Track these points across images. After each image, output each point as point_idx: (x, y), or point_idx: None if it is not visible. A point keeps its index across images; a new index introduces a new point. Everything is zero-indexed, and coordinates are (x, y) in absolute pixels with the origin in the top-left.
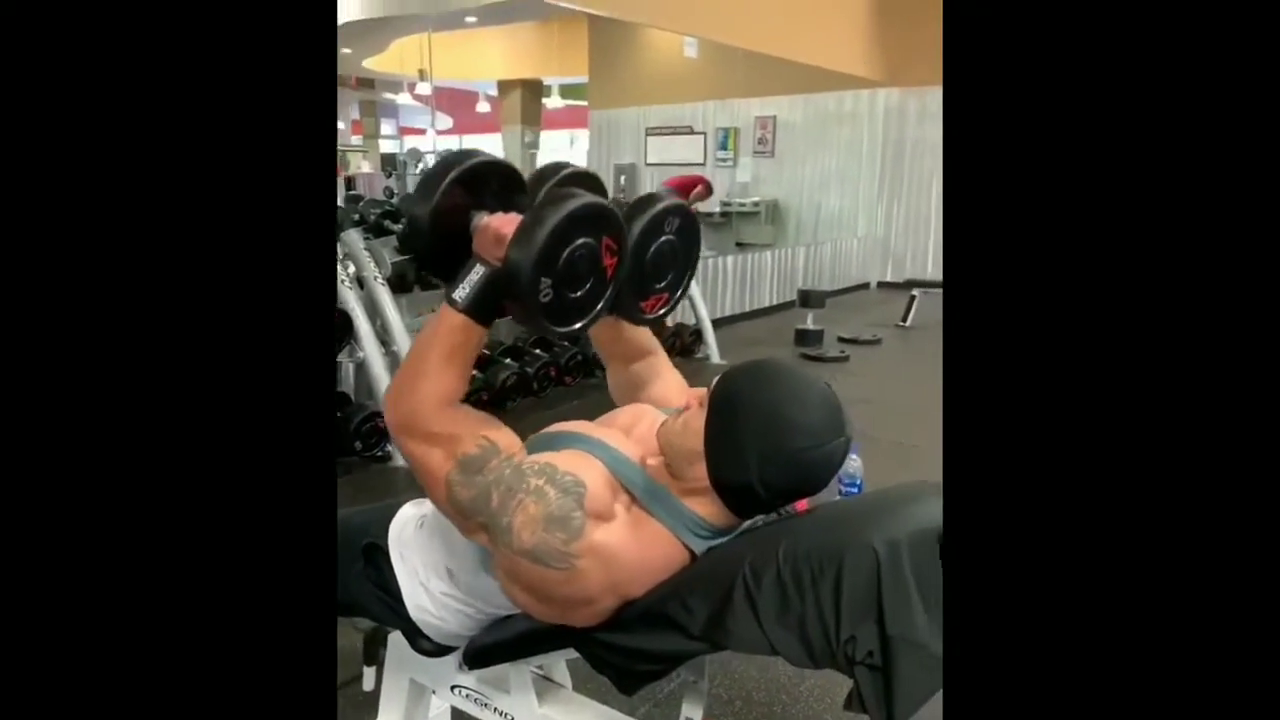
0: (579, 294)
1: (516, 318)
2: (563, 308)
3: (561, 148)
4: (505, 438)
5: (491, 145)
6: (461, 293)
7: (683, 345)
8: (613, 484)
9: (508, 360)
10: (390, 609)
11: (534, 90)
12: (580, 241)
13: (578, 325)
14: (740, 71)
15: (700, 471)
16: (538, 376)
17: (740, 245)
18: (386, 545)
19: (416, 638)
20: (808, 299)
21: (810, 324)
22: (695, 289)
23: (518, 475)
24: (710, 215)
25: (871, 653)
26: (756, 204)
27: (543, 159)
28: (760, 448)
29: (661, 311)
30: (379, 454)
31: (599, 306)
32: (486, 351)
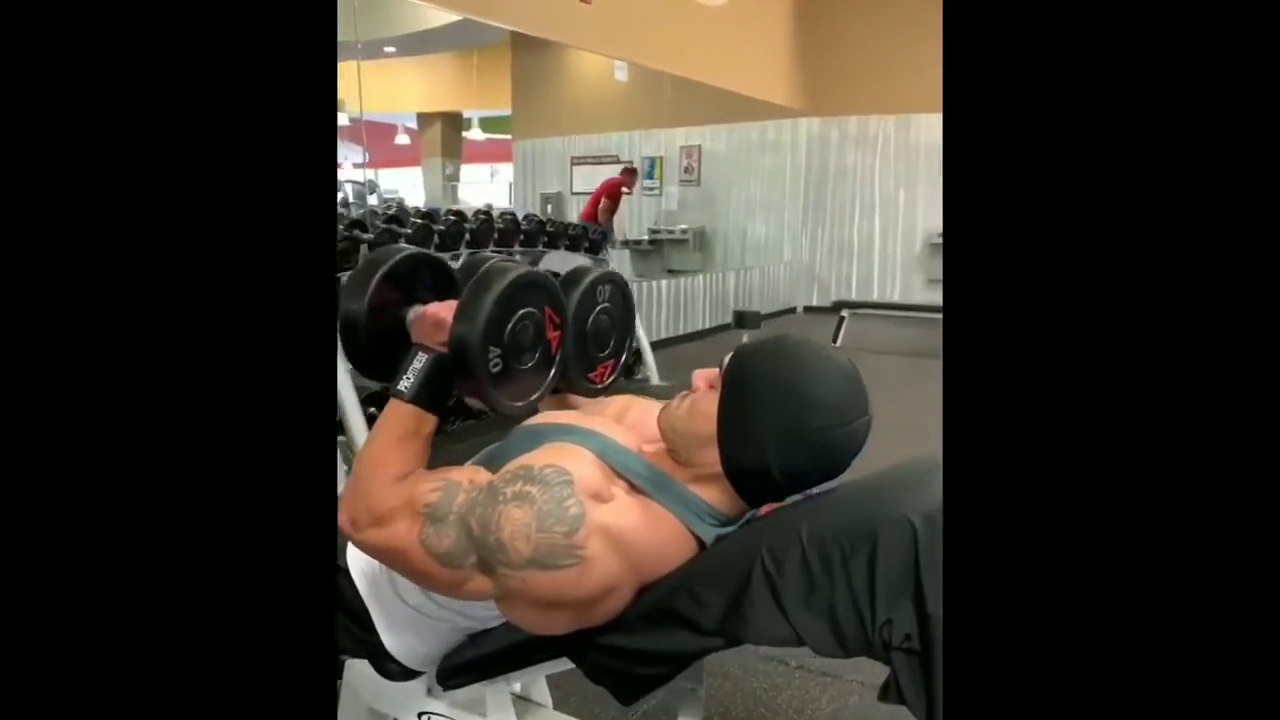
0: (527, 365)
1: (467, 392)
2: (512, 379)
3: (482, 180)
4: (461, 471)
5: (411, 178)
6: (406, 383)
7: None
8: (605, 470)
9: None
10: (356, 637)
11: (454, 123)
12: (524, 311)
13: (533, 397)
14: (665, 102)
15: (710, 457)
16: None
17: (670, 272)
18: (346, 564)
19: (384, 661)
20: (743, 320)
21: None
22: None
23: (490, 493)
24: (639, 243)
25: (909, 635)
26: (685, 231)
27: (464, 192)
28: (779, 429)
29: (609, 380)
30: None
31: (549, 376)
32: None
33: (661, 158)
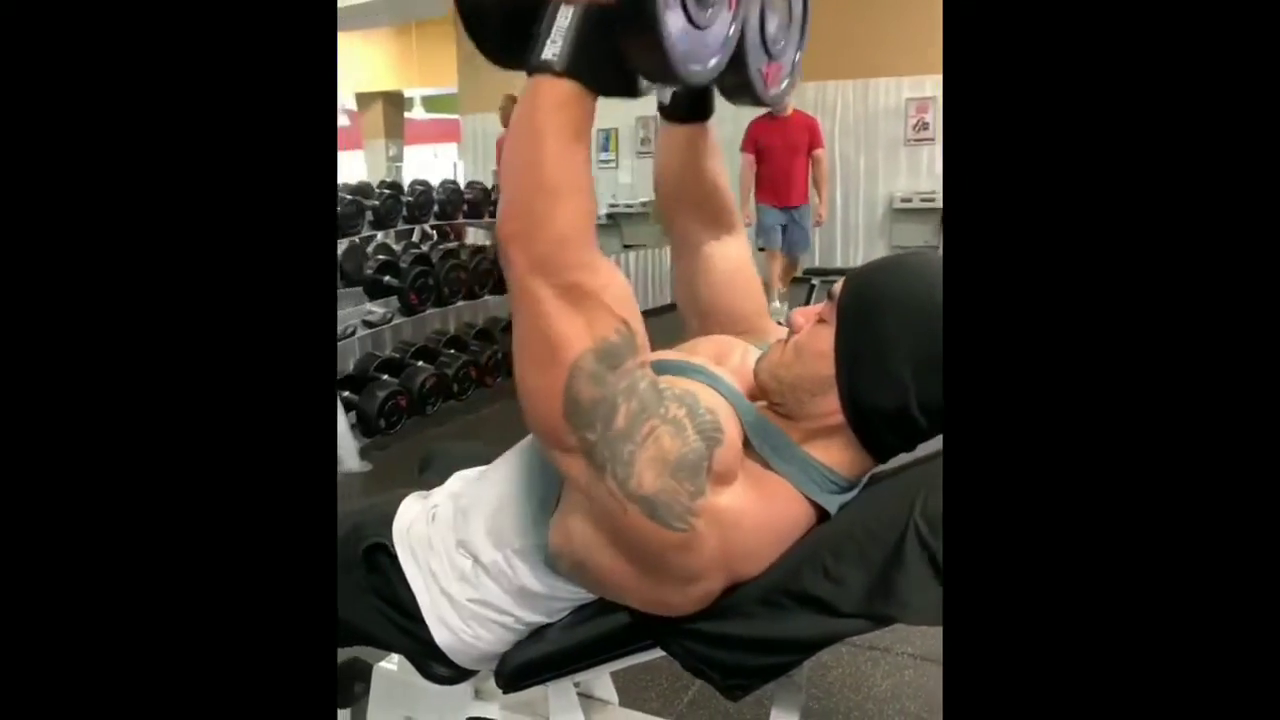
0: (707, 17)
1: (638, 57)
2: (694, 33)
3: (426, 162)
4: (642, 328)
5: (354, 162)
6: (553, 49)
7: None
8: (741, 434)
9: (421, 363)
10: (400, 629)
11: (395, 102)
12: None
13: (713, 62)
14: None
15: (826, 406)
16: (457, 378)
17: (628, 247)
18: (393, 545)
19: (430, 662)
20: None
21: None
22: None
23: (655, 395)
24: (612, 209)
25: None
26: (645, 204)
27: (408, 173)
28: (916, 357)
29: (783, 86)
30: None
31: (728, 37)
32: (396, 355)
33: (616, 130)
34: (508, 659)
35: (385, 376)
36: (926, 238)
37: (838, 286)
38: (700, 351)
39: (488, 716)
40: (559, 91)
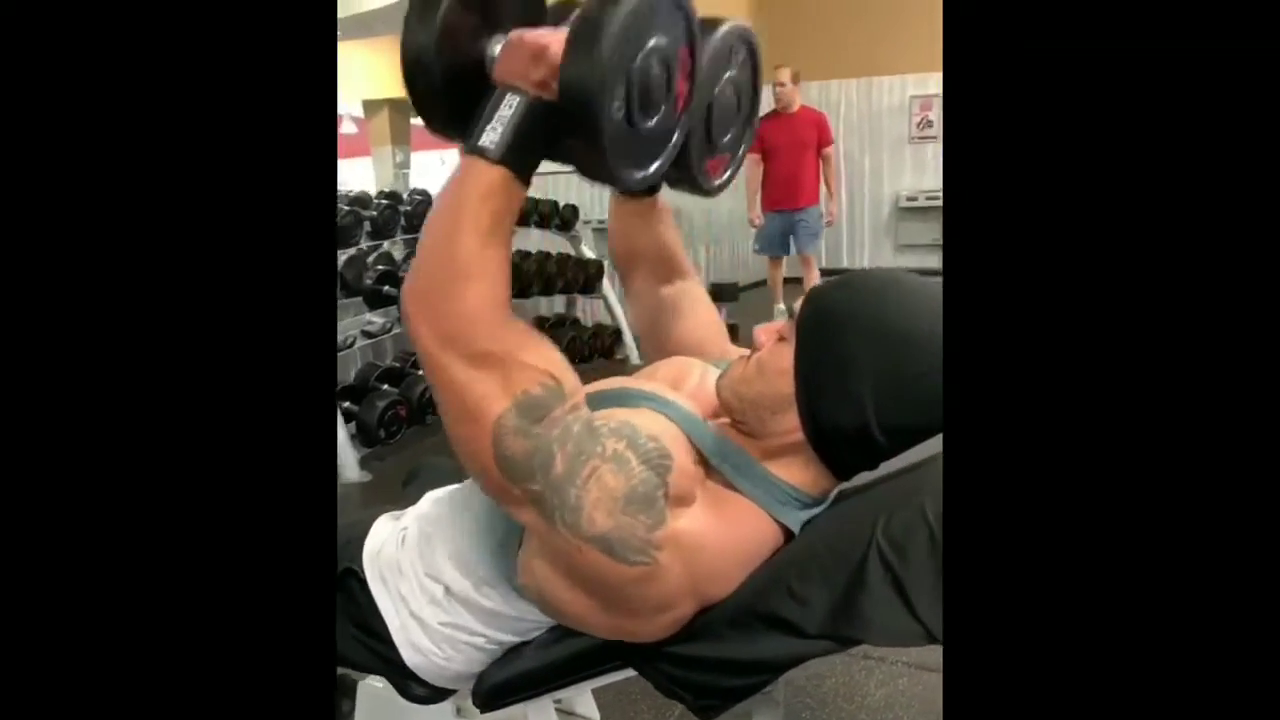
0: (652, 121)
1: (576, 157)
2: (635, 138)
3: (433, 167)
4: (570, 377)
5: (361, 169)
6: (491, 136)
7: (602, 346)
8: (695, 459)
9: (421, 372)
10: (373, 652)
11: (402, 109)
12: (655, 43)
13: (654, 167)
14: None
15: (787, 424)
16: (565, 350)
17: None
18: (363, 571)
19: (406, 683)
20: (720, 293)
21: (725, 318)
22: (610, 289)
23: (590, 434)
24: (603, 222)
25: None
26: None
27: (415, 180)
28: (876, 375)
29: (725, 176)
30: None
31: (671, 144)
32: (396, 364)
33: None
34: (484, 678)
35: (385, 386)
36: (933, 235)
37: (799, 303)
38: (658, 375)
39: None
40: (488, 178)
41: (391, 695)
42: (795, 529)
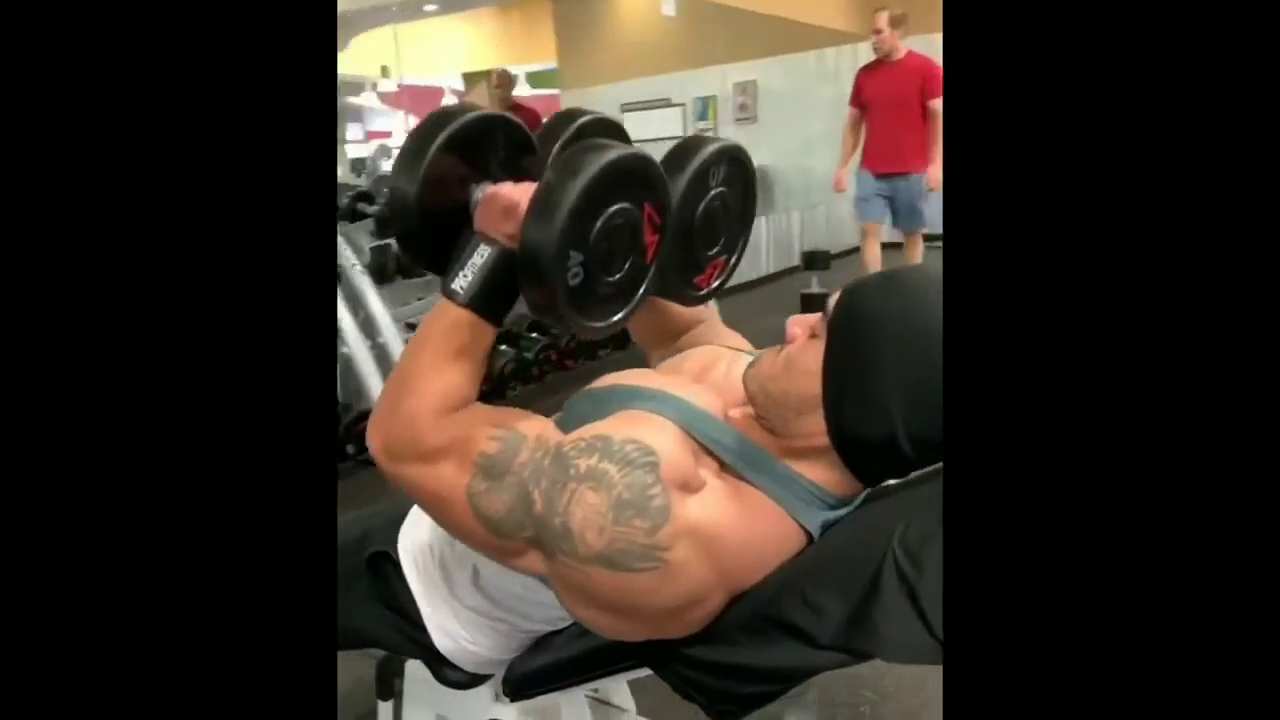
0: (615, 277)
1: (536, 309)
2: (595, 295)
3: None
4: (528, 421)
5: None
6: (462, 281)
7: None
8: (693, 447)
9: (503, 346)
10: (406, 635)
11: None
12: (619, 208)
13: (616, 318)
14: (716, 36)
15: (812, 426)
16: (537, 361)
17: None
18: (397, 554)
19: (442, 667)
20: (812, 260)
21: (816, 287)
22: None
23: (560, 462)
24: None
25: None
26: None
27: None
28: (906, 384)
29: (717, 283)
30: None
31: (639, 294)
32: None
33: (715, 97)
34: (514, 666)
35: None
36: None
37: (834, 299)
38: (685, 368)
39: (507, 718)
40: (455, 318)
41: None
42: (815, 530)
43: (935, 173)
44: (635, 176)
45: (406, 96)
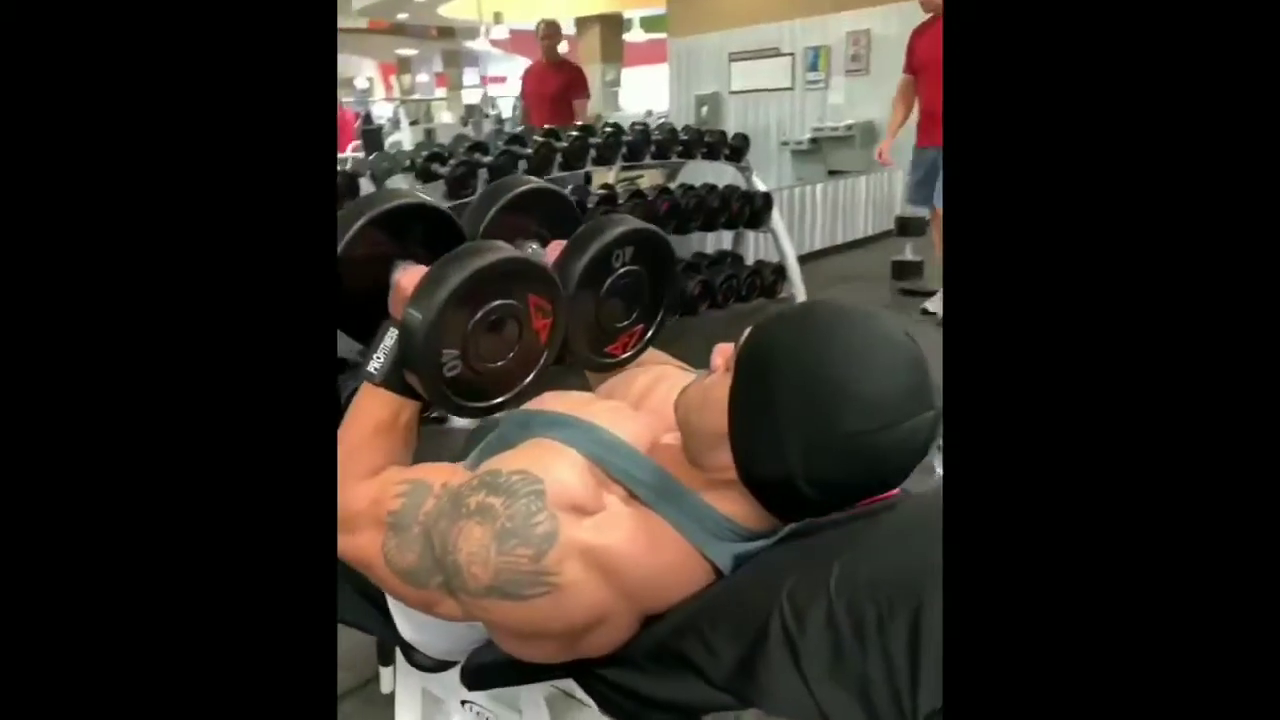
0: (502, 364)
1: (421, 392)
2: (478, 381)
3: (645, 82)
4: (435, 471)
5: None
6: (376, 363)
7: (763, 285)
8: (596, 475)
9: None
10: (379, 623)
11: (613, 25)
12: (497, 304)
13: (498, 401)
14: None
15: (725, 459)
16: (721, 289)
17: (832, 174)
18: None
19: (411, 652)
20: (906, 227)
21: (909, 254)
22: (779, 220)
23: (455, 502)
24: (800, 143)
25: None
26: (850, 128)
27: (623, 98)
28: (805, 431)
29: (633, 351)
30: (433, 414)
31: (535, 370)
32: None
33: (827, 47)
34: (471, 658)
35: None
36: None
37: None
38: (631, 389)
39: (478, 701)
40: (374, 398)
41: None
42: (724, 564)
43: None
44: (514, 274)
45: (519, 41)
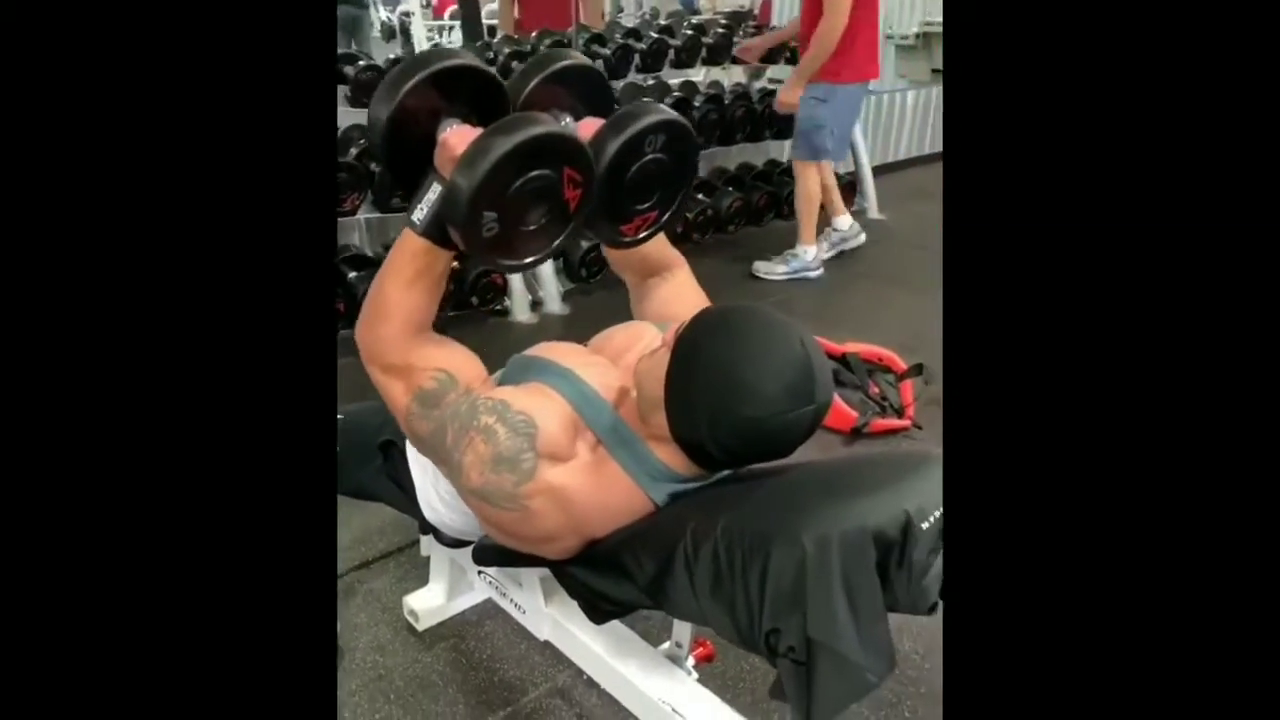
0: (532, 227)
1: (460, 247)
2: (511, 242)
3: None
4: (465, 368)
5: None
6: (419, 214)
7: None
8: (575, 423)
9: (730, 188)
10: (406, 505)
11: None
12: (534, 174)
13: (529, 260)
14: None
15: (662, 420)
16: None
17: (937, 72)
18: (403, 444)
19: (435, 530)
20: None
21: None
22: (859, 132)
23: (471, 411)
24: (905, 38)
25: (794, 648)
26: None
27: None
28: (710, 409)
29: (645, 234)
30: (497, 308)
31: (560, 235)
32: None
33: None
34: (480, 542)
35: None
36: None
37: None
38: (609, 346)
39: (489, 572)
40: (414, 245)
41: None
42: (661, 500)
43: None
44: (554, 148)
45: None
